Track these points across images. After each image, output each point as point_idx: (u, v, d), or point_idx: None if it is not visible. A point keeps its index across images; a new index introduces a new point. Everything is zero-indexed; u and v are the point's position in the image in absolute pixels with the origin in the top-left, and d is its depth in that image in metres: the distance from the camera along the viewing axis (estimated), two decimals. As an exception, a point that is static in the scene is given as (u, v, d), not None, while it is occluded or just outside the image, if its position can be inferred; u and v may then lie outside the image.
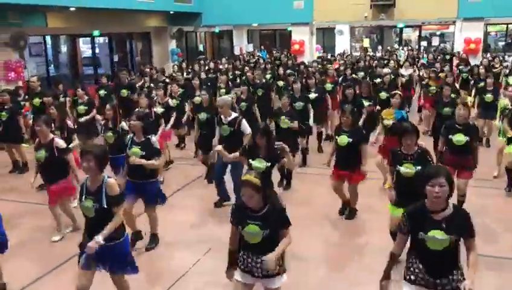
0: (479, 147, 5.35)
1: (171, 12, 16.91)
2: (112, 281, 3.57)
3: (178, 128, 8.40)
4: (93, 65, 16.18)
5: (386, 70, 11.68)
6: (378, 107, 7.72)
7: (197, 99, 8.40)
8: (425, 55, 19.05)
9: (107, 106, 6.17)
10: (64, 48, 16.33)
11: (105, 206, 3.30)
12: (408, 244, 2.94)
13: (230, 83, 10.41)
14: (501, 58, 14.88)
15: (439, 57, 16.26)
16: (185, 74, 12.97)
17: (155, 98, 8.04)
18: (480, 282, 3.20)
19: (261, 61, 16.32)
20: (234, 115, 5.91)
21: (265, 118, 8.40)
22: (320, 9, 17.25)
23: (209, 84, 10.24)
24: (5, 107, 7.76)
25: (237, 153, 4.77)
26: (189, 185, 7.11)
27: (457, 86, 10.17)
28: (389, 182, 4.37)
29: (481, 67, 10.57)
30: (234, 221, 3.07)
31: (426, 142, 5.39)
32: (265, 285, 3.10)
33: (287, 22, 18.46)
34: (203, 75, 11.67)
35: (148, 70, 13.26)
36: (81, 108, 7.98)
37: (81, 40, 16.03)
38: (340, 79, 10.97)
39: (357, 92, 8.53)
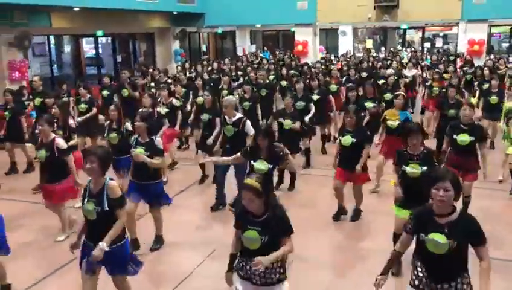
0: (484, 146, 5.27)
1: (175, 12, 16.91)
2: (113, 283, 3.55)
3: (182, 129, 8.40)
4: (97, 65, 16.21)
5: (389, 71, 11.67)
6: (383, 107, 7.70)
7: (199, 99, 8.40)
8: (428, 57, 19.05)
9: (111, 107, 6.13)
10: (67, 48, 16.37)
11: (106, 209, 3.26)
12: (412, 246, 2.91)
13: (232, 83, 10.41)
14: (505, 60, 14.82)
15: (443, 58, 16.23)
16: (187, 73, 13.00)
17: (159, 99, 8.03)
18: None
19: (265, 61, 16.33)
20: (238, 115, 5.90)
21: (268, 118, 8.40)
22: (323, 10, 17.20)
23: (211, 84, 10.23)
24: (8, 107, 7.79)
25: (231, 158, 4.71)
26: (193, 185, 7.09)
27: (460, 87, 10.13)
28: (394, 179, 4.35)
29: (485, 68, 10.54)
30: (237, 225, 3.03)
31: (429, 143, 5.37)
32: None
33: (290, 22, 18.43)
34: (205, 76, 11.66)
35: (150, 70, 13.27)
36: (82, 106, 8.07)
37: (84, 40, 16.06)
38: (344, 79, 10.98)
39: (360, 94, 8.52)
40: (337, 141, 5.64)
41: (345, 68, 12.51)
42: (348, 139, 5.27)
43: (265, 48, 24.40)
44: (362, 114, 7.35)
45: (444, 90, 8.34)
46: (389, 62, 14.64)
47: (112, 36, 16.54)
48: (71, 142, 6.07)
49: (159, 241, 5.02)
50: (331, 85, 9.80)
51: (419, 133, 4.12)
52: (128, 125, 6.00)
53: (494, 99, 8.28)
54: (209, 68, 14.00)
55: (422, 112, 10.76)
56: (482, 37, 16.58)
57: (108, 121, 6.09)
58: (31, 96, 9.18)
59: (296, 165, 6.31)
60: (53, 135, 5.16)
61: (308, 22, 17.59)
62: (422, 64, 15.91)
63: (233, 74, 12.99)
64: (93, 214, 3.28)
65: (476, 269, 2.73)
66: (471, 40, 16.53)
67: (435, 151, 5.26)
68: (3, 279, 4.08)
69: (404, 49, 22.06)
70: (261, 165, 4.33)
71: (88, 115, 7.93)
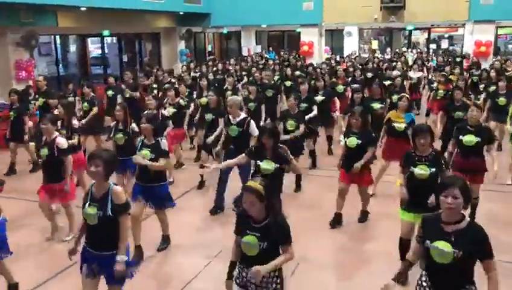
0: (491, 148, 5.20)
1: (181, 13, 16.94)
2: None
3: (188, 129, 8.41)
4: (103, 65, 16.26)
5: (396, 72, 11.64)
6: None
7: (203, 100, 8.39)
8: (434, 58, 18.98)
9: (117, 107, 6.11)
10: (72, 48, 16.42)
11: (109, 215, 3.15)
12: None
13: (236, 83, 10.39)
14: (512, 61, 14.71)
15: (449, 60, 16.16)
16: (191, 73, 13.01)
17: (166, 99, 8.04)
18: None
19: (270, 62, 16.31)
20: (243, 115, 5.88)
21: (272, 119, 8.38)
22: (329, 10, 17.18)
23: (216, 85, 10.23)
24: (13, 106, 7.82)
25: (235, 159, 4.66)
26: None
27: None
28: (400, 179, 4.29)
29: (492, 71, 10.47)
30: (237, 231, 2.95)
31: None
32: None
33: (296, 23, 18.40)
34: (210, 76, 11.66)
35: (154, 70, 13.29)
36: (85, 105, 8.13)
37: (89, 40, 16.10)
38: (349, 80, 10.95)
39: (366, 95, 8.49)
40: (342, 142, 5.61)
41: (351, 69, 12.49)
42: (353, 141, 5.24)
43: (270, 49, 24.40)
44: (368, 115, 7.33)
45: (449, 92, 8.30)
46: (394, 64, 14.60)
47: (118, 36, 16.59)
48: (70, 142, 6.07)
49: (165, 241, 5.02)
50: (338, 86, 9.78)
51: (428, 133, 4.08)
52: (134, 126, 5.98)
53: (502, 100, 8.22)
54: (214, 68, 14.00)
55: (427, 114, 10.73)
56: (489, 38, 16.49)
57: (115, 122, 6.07)
58: (36, 96, 9.23)
59: (301, 168, 6.29)
60: (56, 133, 5.14)
61: (314, 23, 17.56)
62: (428, 65, 15.85)
63: (238, 74, 13.00)
64: (95, 219, 3.18)
65: (483, 280, 2.67)
66: (478, 42, 16.43)
67: (441, 152, 5.23)
68: (10, 278, 4.08)
69: (409, 50, 21.97)
70: (267, 165, 4.28)
71: (90, 115, 7.93)
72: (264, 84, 9.65)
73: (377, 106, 7.55)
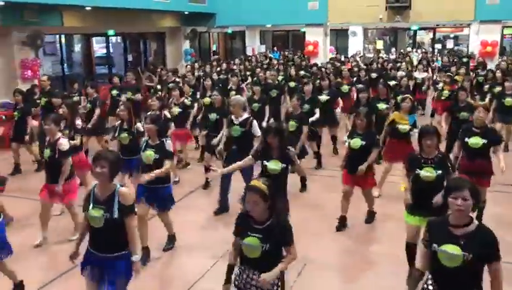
0: (498, 149, 5.14)
1: (186, 12, 16.96)
2: None
3: (192, 129, 8.40)
4: (107, 65, 16.29)
5: (401, 73, 11.59)
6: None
7: (206, 100, 8.39)
8: (439, 58, 18.88)
9: (121, 107, 6.11)
10: (77, 47, 16.47)
11: (116, 217, 3.11)
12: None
13: (240, 83, 10.37)
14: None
15: (454, 60, 16.07)
16: (196, 72, 13.01)
17: (171, 99, 8.05)
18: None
19: (275, 62, 16.29)
20: (245, 115, 5.85)
21: (275, 119, 8.36)
22: (334, 10, 17.14)
23: (220, 85, 10.23)
24: (17, 107, 7.81)
25: (242, 162, 4.60)
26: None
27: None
28: (405, 184, 4.22)
29: (498, 71, 10.40)
30: (237, 232, 2.90)
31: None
32: None
33: (301, 22, 18.36)
34: (214, 76, 11.66)
35: (158, 70, 13.31)
36: (88, 106, 8.11)
37: (93, 39, 16.14)
38: (354, 80, 10.91)
39: (371, 95, 8.44)
40: (347, 143, 5.56)
41: (356, 69, 12.45)
42: (357, 142, 5.18)
43: (275, 48, 24.37)
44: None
45: (454, 93, 8.25)
46: (398, 64, 14.55)
47: (123, 35, 16.63)
48: (72, 142, 6.05)
49: (171, 241, 5.01)
50: (343, 86, 9.74)
51: (434, 135, 4.01)
52: (139, 125, 5.98)
53: (508, 101, 8.16)
54: (218, 68, 14.00)
55: (432, 115, 10.67)
56: (495, 39, 16.40)
57: (119, 121, 6.07)
58: (40, 95, 9.25)
59: (305, 168, 6.27)
60: (59, 134, 5.10)
61: (319, 22, 17.53)
62: (433, 65, 15.78)
63: (242, 74, 12.99)
64: (101, 221, 3.12)
65: (487, 283, 2.64)
66: (484, 42, 16.35)
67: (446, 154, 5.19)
68: (14, 278, 4.07)
69: (414, 50, 21.88)
70: (274, 165, 4.23)
71: (94, 118, 7.88)
72: (268, 85, 9.62)
73: (382, 106, 7.50)
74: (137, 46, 18.01)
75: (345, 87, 9.70)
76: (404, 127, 6.24)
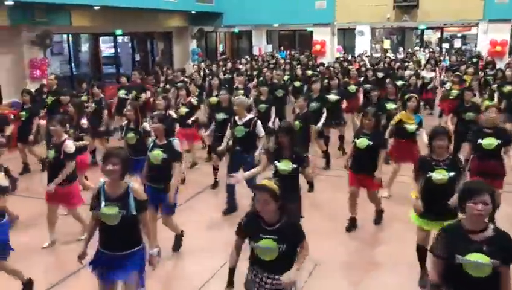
0: (510, 149, 5.04)
1: (193, 12, 16.98)
2: None
3: (198, 129, 8.40)
4: (115, 64, 16.35)
5: (409, 72, 11.52)
6: None
7: (213, 99, 8.38)
8: (447, 58, 18.74)
9: (128, 107, 6.09)
10: (84, 47, 16.53)
11: (134, 213, 3.11)
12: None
13: (247, 82, 10.35)
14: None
15: (463, 59, 15.95)
16: (202, 72, 13.02)
17: (178, 99, 8.05)
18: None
19: (281, 61, 16.25)
20: (249, 116, 5.85)
21: (280, 120, 8.32)
22: (342, 9, 17.09)
23: (226, 85, 10.22)
24: (24, 107, 7.81)
25: (260, 167, 4.57)
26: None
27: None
28: (415, 191, 4.10)
29: (508, 70, 10.28)
30: (242, 233, 2.84)
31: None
32: None
33: (308, 22, 18.33)
34: (221, 76, 11.66)
35: (165, 70, 13.33)
36: (93, 106, 8.08)
37: (100, 39, 16.20)
38: (362, 80, 10.85)
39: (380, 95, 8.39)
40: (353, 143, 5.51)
41: (363, 69, 12.39)
42: (364, 142, 5.09)
43: (281, 48, 24.33)
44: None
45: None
46: (406, 64, 14.47)
47: (130, 35, 16.68)
48: (81, 142, 6.06)
49: (179, 240, 4.97)
50: (350, 86, 9.69)
51: (446, 135, 3.93)
52: (145, 125, 5.96)
53: (518, 101, 8.08)
54: (224, 68, 14.00)
55: (440, 116, 10.59)
56: (504, 38, 16.27)
57: (126, 121, 6.06)
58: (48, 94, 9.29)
59: (314, 170, 6.22)
60: (65, 136, 5.05)
61: (327, 22, 17.47)
62: (440, 65, 15.67)
63: (249, 73, 12.97)
64: (116, 219, 3.08)
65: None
66: (493, 41, 16.22)
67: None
68: (21, 277, 4.07)
69: (421, 49, 21.73)
70: (284, 165, 4.21)
71: (104, 120, 7.86)
72: (274, 84, 9.59)
73: (391, 106, 7.45)
74: (145, 45, 18.06)
75: (352, 87, 9.66)
76: (411, 127, 6.18)
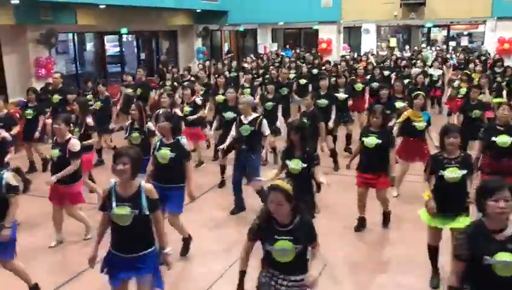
0: None
1: (198, 10, 16.94)
2: None
3: (203, 128, 8.35)
4: (120, 63, 16.33)
5: (416, 70, 11.42)
6: None
7: (219, 97, 8.32)
8: (453, 56, 18.58)
9: (132, 106, 6.00)
10: (89, 46, 16.52)
11: (147, 213, 3.07)
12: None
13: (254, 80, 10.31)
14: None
15: (470, 57, 15.81)
16: (207, 71, 12.99)
17: (183, 98, 8.01)
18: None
19: (286, 60, 16.17)
20: (255, 114, 5.82)
21: (286, 118, 8.27)
22: (348, 7, 16.99)
23: (232, 83, 10.16)
24: (30, 105, 7.78)
25: (278, 169, 4.49)
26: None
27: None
28: (427, 191, 4.02)
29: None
30: (254, 236, 2.79)
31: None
32: None
33: (314, 20, 18.23)
34: (227, 74, 11.61)
35: (169, 68, 13.29)
36: (98, 104, 8.07)
37: (105, 38, 16.18)
38: (368, 78, 10.76)
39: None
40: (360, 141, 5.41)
41: (370, 67, 12.29)
42: (373, 141, 4.98)
43: (287, 46, 24.24)
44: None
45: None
46: (413, 61, 14.34)
47: (135, 34, 16.66)
48: (89, 141, 6.03)
49: (187, 243, 4.86)
50: (357, 84, 9.62)
51: (457, 132, 3.87)
52: (150, 124, 5.88)
53: (527, 98, 7.98)
54: (230, 66, 13.96)
55: (449, 114, 10.48)
56: (513, 36, 16.10)
57: (130, 121, 5.97)
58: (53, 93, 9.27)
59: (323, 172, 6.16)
60: (69, 135, 5.00)
61: (333, 20, 17.37)
62: (447, 64, 15.53)
63: (254, 72, 12.91)
64: (128, 219, 3.04)
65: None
66: (501, 39, 16.06)
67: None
68: (28, 281, 4.02)
69: (428, 47, 21.58)
70: (294, 164, 4.16)
71: (114, 118, 7.87)
72: (279, 83, 9.52)
73: (400, 104, 7.36)
74: (150, 44, 18.04)
75: (359, 86, 9.57)
76: (420, 124, 6.09)
